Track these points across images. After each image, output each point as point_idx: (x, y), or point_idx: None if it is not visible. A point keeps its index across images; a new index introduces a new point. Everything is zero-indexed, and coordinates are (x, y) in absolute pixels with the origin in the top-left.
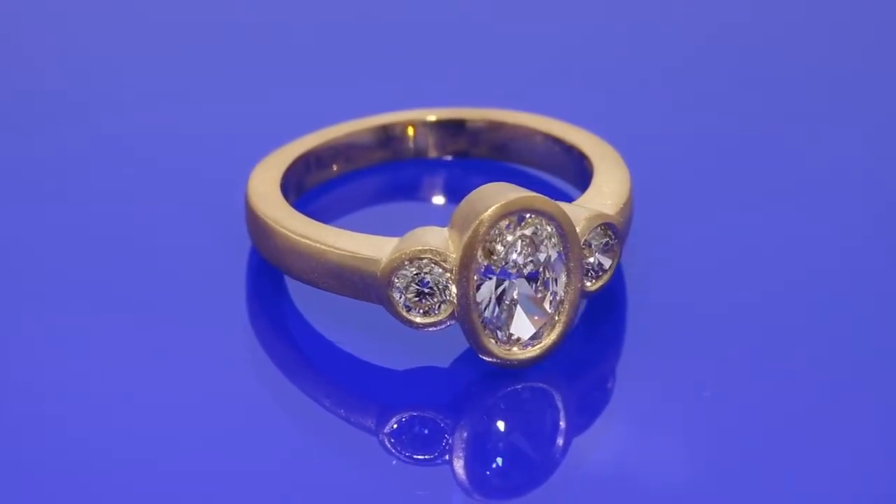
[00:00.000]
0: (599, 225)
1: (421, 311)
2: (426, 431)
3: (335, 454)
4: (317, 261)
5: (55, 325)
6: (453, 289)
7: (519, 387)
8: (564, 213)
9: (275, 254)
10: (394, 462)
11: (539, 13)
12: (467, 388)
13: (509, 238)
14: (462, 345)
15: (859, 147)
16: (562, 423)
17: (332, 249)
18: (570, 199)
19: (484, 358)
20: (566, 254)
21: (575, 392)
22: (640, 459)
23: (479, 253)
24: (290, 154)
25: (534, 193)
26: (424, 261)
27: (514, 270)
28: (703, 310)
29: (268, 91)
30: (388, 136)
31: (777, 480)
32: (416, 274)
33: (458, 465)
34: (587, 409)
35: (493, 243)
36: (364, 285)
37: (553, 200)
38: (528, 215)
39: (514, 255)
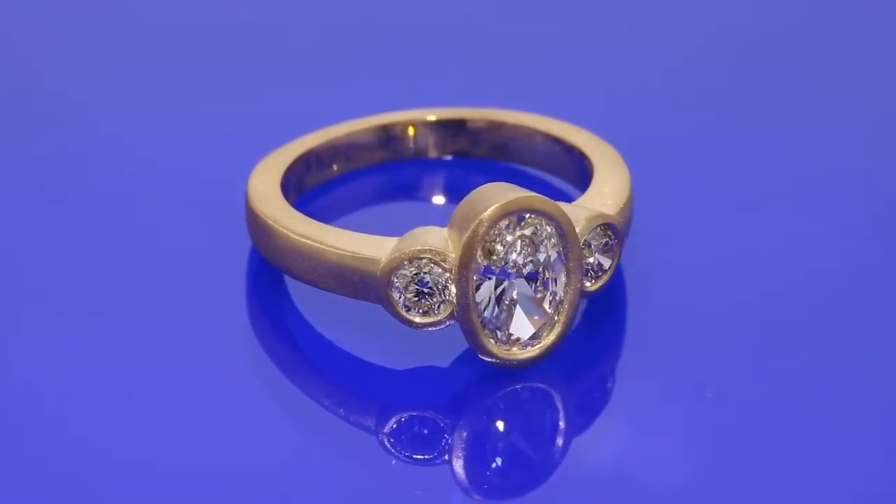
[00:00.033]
0: (599, 225)
1: (420, 310)
2: (426, 431)
3: (335, 454)
4: (316, 260)
5: (55, 325)
6: (453, 289)
7: (518, 387)
8: (564, 214)
9: (275, 253)
10: (393, 462)
11: (539, 13)
12: (467, 388)
13: (509, 238)
14: (462, 345)
15: (859, 147)
16: (561, 424)
17: (332, 249)
18: (570, 200)
19: (483, 358)
20: (566, 254)
21: (575, 392)
22: (639, 459)
23: (479, 253)
24: (291, 154)
25: (533, 193)
26: (424, 261)
27: (514, 270)
28: (703, 310)
29: (268, 91)
30: (388, 136)
31: (777, 480)
32: (416, 274)
33: (458, 465)
34: (587, 410)
35: (493, 243)
36: (364, 285)
37: (553, 200)
38: (527, 215)
39: (514, 255)
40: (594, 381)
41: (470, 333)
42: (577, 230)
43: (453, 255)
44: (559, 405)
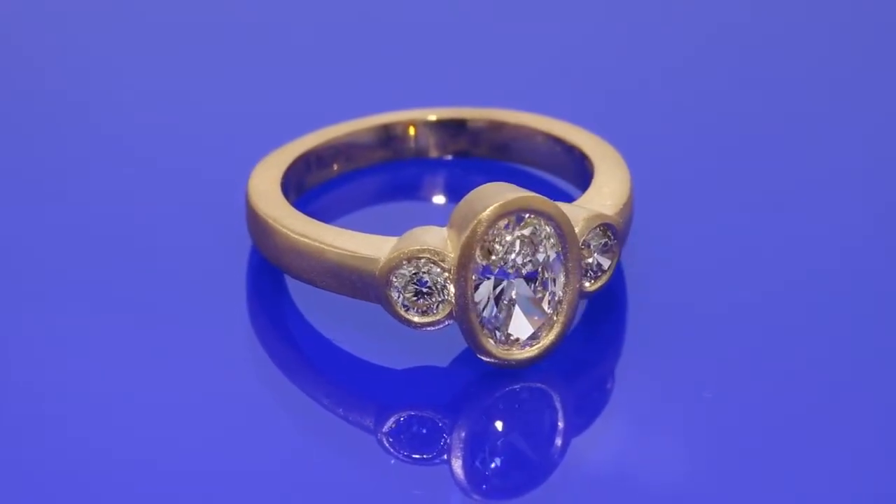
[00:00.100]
0: (598, 225)
1: (419, 310)
2: (424, 431)
3: (334, 454)
4: (316, 260)
5: (55, 325)
6: (451, 288)
7: (517, 387)
8: (563, 214)
9: (274, 253)
10: (392, 461)
11: (539, 13)
12: (466, 388)
13: (508, 238)
14: (461, 345)
15: (859, 147)
16: (560, 424)
17: (332, 248)
18: (570, 200)
19: (482, 358)
20: (565, 254)
21: (574, 392)
22: (639, 459)
23: (478, 253)
24: (291, 153)
25: (532, 193)
26: (423, 260)
27: (513, 270)
28: (703, 310)
29: (268, 91)
30: (388, 136)
31: (777, 480)
32: (415, 273)
33: (457, 465)
34: (586, 410)
35: (492, 243)
36: (363, 284)
37: (551, 201)
38: (526, 215)
39: (513, 256)
40: (594, 381)
41: (468, 333)
42: (577, 230)
43: (452, 254)
44: (558, 405)
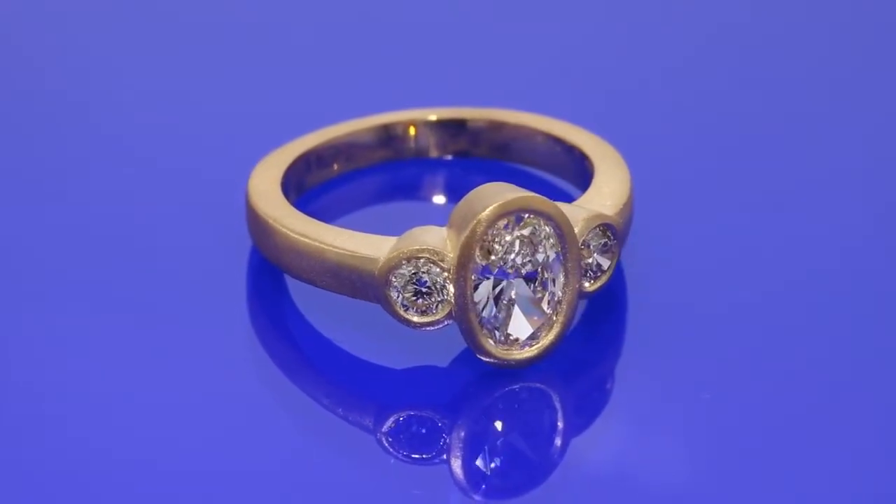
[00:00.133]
0: (598, 226)
1: (418, 310)
2: (424, 431)
3: (333, 453)
4: (315, 259)
5: (55, 325)
6: (451, 288)
7: (517, 387)
8: (562, 214)
9: (274, 252)
10: (391, 461)
11: (539, 13)
12: (465, 388)
13: (507, 238)
14: (460, 345)
15: (859, 147)
16: (560, 424)
17: (331, 248)
18: (570, 200)
19: (481, 358)
20: (564, 254)
21: (575, 392)
22: (639, 459)
23: (477, 253)
24: (291, 153)
25: (532, 193)
26: (422, 260)
27: (512, 270)
28: (703, 310)
29: (268, 91)
30: (388, 136)
31: (777, 480)
32: (414, 273)
33: (456, 465)
34: (587, 410)
35: (491, 243)
36: (362, 284)
37: (551, 201)
38: (526, 215)
39: (512, 256)
40: (594, 381)
41: (468, 333)
42: (576, 230)
43: (451, 254)
44: (558, 405)
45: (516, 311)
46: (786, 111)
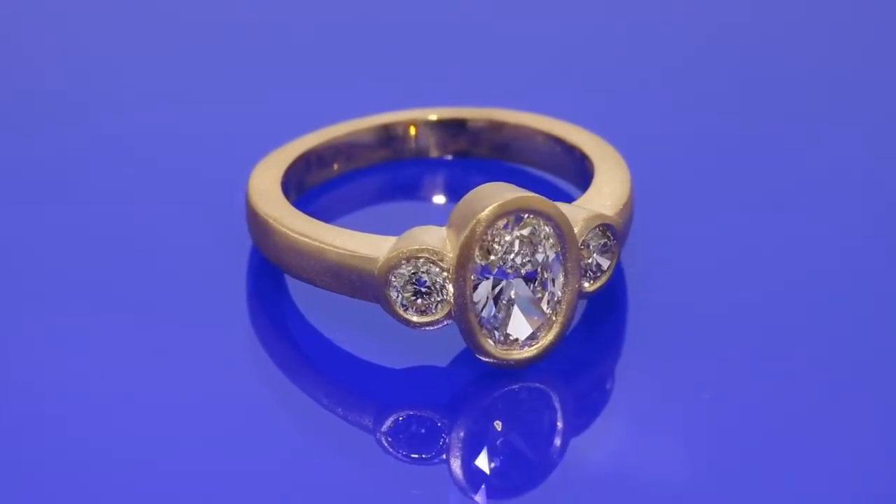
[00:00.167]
0: (598, 226)
1: (418, 310)
2: (423, 431)
3: (333, 453)
4: (315, 259)
5: (55, 325)
6: (450, 288)
7: (516, 387)
8: (562, 214)
9: (274, 252)
10: (391, 461)
11: (539, 13)
12: (465, 388)
13: (507, 238)
14: (460, 344)
15: (859, 147)
16: (560, 424)
17: (331, 248)
18: (571, 200)
19: (481, 358)
20: (564, 254)
21: (575, 392)
22: (639, 459)
23: (477, 253)
24: (291, 153)
25: (531, 193)
26: (421, 260)
27: (512, 270)
28: (703, 310)
29: (268, 91)
30: (389, 136)
31: (777, 480)
32: (413, 273)
33: (455, 465)
34: (587, 410)
35: (491, 243)
36: (361, 284)
37: (550, 201)
38: (525, 215)
39: (512, 256)
40: (593, 381)
41: (467, 333)
42: (576, 230)
43: (451, 254)
44: (558, 405)
45: (516, 311)
46: (786, 111)
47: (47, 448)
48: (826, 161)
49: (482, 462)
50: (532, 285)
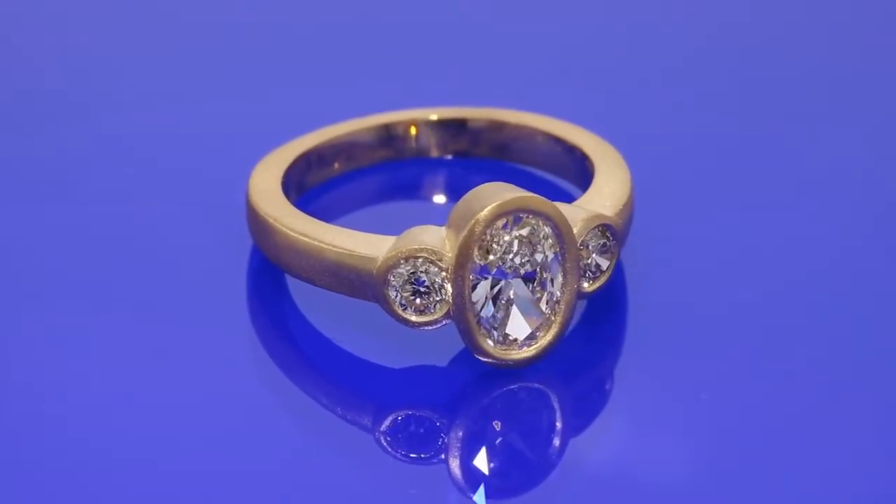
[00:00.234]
0: (597, 226)
1: (416, 309)
2: (422, 430)
3: (332, 453)
4: (315, 258)
5: (55, 325)
6: (449, 288)
7: (515, 387)
8: (561, 214)
9: (274, 252)
10: (390, 461)
11: (539, 13)
12: (464, 388)
13: (506, 238)
14: (459, 344)
15: (859, 147)
16: (559, 424)
17: (330, 247)
18: (571, 200)
19: (480, 358)
20: (562, 254)
21: (574, 392)
22: (638, 460)
23: (476, 252)
24: (292, 152)
25: (530, 194)
26: (420, 260)
27: (511, 270)
28: (703, 310)
29: (268, 91)
30: (389, 135)
31: (777, 480)
32: (412, 273)
33: (454, 465)
34: (586, 410)
35: (490, 243)
36: (361, 283)
37: (550, 201)
38: (524, 215)
39: (511, 256)
40: (593, 381)
41: (466, 333)
42: (575, 231)
43: (450, 254)
44: (557, 405)
45: (514, 311)
46: (786, 111)
47: (47, 448)
48: (826, 161)
49: (481, 462)
50: (531, 285)
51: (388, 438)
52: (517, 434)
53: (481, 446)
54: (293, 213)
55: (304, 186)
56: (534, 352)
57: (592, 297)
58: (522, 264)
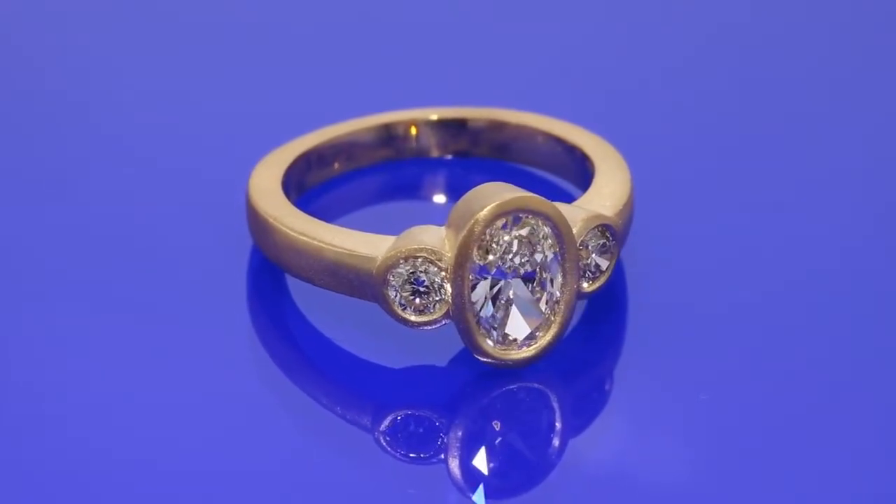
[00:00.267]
0: (597, 226)
1: (416, 309)
2: (421, 430)
3: (332, 453)
4: (314, 258)
5: (55, 325)
6: (448, 288)
7: (514, 387)
8: (560, 214)
9: (274, 251)
10: (389, 460)
11: (539, 13)
12: (463, 388)
13: (505, 238)
14: (459, 344)
15: (859, 147)
16: (558, 424)
17: (329, 247)
18: (571, 200)
19: (479, 358)
20: (562, 254)
21: (574, 392)
22: (638, 460)
23: (475, 252)
24: (292, 152)
25: (530, 194)
26: (420, 259)
27: (510, 270)
28: (703, 310)
29: (268, 91)
30: (389, 135)
31: (777, 480)
32: (412, 272)
33: (454, 465)
34: (586, 410)
35: (490, 243)
36: (360, 283)
37: (549, 201)
38: (524, 215)
39: (511, 256)
40: (593, 381)
41: (465, 333)
42: (574, 231)
43: (449, 254)
44: (556, 405)
45: (514, 311)
46: (786, 111)
47: (47, 448)
48: (826, 161)
49: (480, 462)
50: (530, 285)
51: (388, 438)
52: (517, 434)
53: (481, 446)
54: (293, 213)
55: (304, 186)
56: (533, 352)
57: (592, 297)
58: (522, 264)
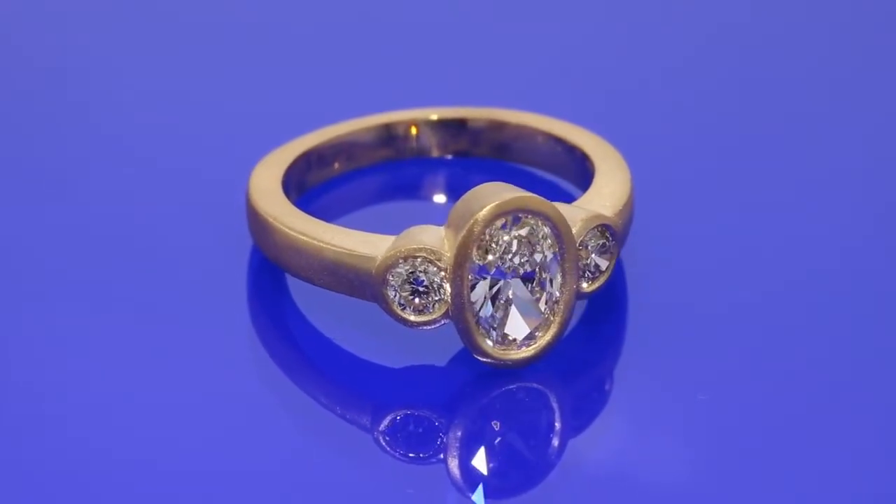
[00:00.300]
0: (596, 226)
1: (415, 309)
2: (421, 430)
3: (331, 453)
4: (314, 258)
5: (55, 325)
6: (448, 288)
7: (514, 387)
8: (560, 214)
9: (274, 251)
10: (388, 460)
11: (540, 13)
12: (462, 388)
13: (505, 238)
14: (459, 344)
15: (859, 147)
16: (558, 424)
17: (329, 246)
18: (571, 200)
19: (478, 358)
20: (562, 254)
21: (573, 392)
22: (638, 460)
23: (474, 252)
24: (292, 152)
25: (529, 194)
26: (419, 259)
27: (510, 270)
28: (703, 310)
29: (268, 91)
30: (389, 135)
31: (777, 480)
32: (411, 272)
33: (453, 465)
34: (586, 410)
35: (489, 243)
36: (359, 282)
37: (549, 201)
38: (523, 215)
39: (510, 256)
40: (593, 381)
41: (464, 333)
42: (574, 231)
43: (448, 254)
44: (556, 405)
45: (513, 311)
46: (786, 111)
47: (47, 448)
48: (826, 161)
49: (480, 462)
50: (530, 285)
51: (387, 438)
52: (516, 434)
53: (480, 446)
54: (293, 213)
55: (304, 186)
56: (533, 352)
57: (592, 297)
58: (521, 264)
